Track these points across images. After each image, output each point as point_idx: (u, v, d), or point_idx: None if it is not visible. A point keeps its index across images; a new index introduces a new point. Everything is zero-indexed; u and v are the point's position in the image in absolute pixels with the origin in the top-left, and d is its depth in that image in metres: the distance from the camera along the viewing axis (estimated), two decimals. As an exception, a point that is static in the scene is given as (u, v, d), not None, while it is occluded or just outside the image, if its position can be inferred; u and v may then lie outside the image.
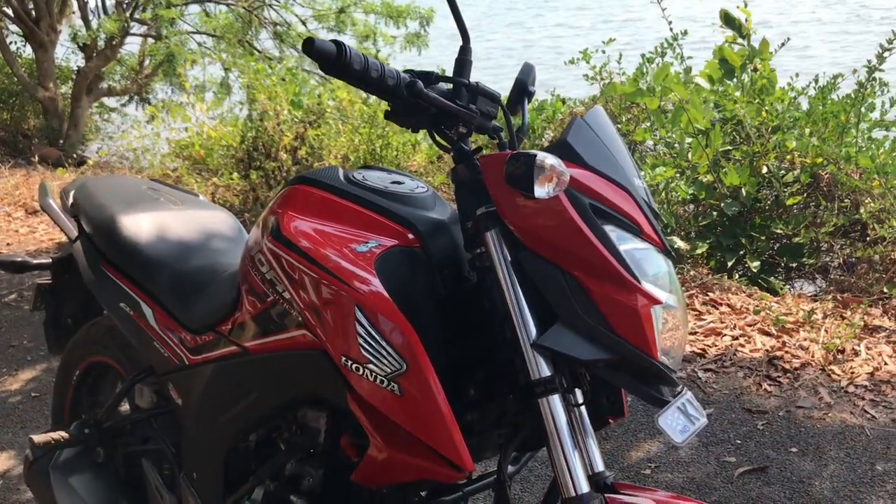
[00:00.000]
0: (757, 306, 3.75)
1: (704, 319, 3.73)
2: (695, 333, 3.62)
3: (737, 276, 4.31)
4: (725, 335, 3.57)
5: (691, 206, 4.70)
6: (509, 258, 1.30)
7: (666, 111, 4.88)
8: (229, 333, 1.64)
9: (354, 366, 1.31)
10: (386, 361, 1.28)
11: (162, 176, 7.73)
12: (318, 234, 1.41)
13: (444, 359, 1.40)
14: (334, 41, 1.26)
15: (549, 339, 1.25)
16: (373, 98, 7.14)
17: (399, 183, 1.54)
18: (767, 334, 3.53)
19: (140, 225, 1.96)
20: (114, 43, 10.10)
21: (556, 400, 1.26)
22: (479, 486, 1.54)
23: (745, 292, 3.99)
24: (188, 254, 1.92)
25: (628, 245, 1.28)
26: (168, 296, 1.84)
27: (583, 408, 1.39)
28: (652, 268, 1.30)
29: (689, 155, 4.54)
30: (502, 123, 1.47)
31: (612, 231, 1.27)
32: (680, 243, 4.32)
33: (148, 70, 10.87)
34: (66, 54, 11.43)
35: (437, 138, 1.41)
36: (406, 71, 1.34)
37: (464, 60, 1.38)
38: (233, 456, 1.68)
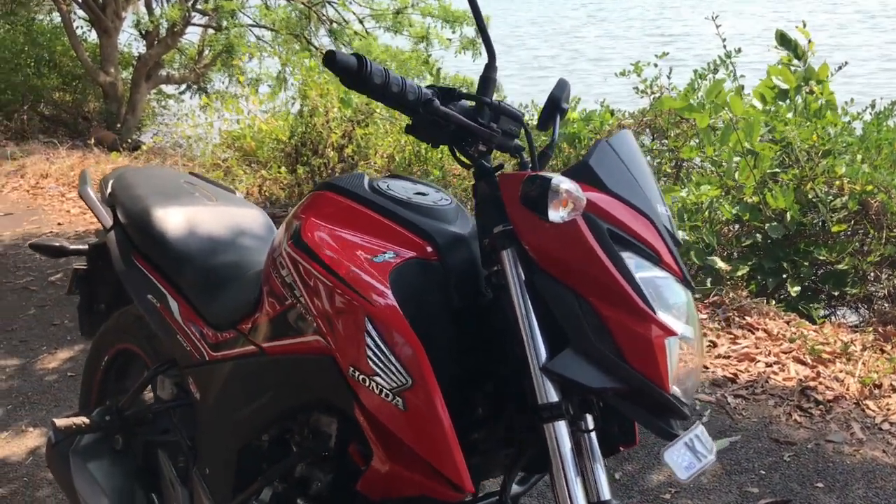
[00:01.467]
0: (794, 334, 3.68)
1: (739, 343, 3.67)
2: (728, 357, 3.56)
3: (775, 301, 4.23)
4: (759, 361, 3.50)
5: (735, 227, 4.62)
6: (524, 278, 1.29)
7: (716, 128, 4.82)
8: (249, 333, 1.66)
9: (361, 377, 1.32)
10: (392, 375, 1.29)
11: (212, 166, 7.86)
12: (336, 242, 1.42)
13: (455, 373, 1.40)
14: (356, 54, 1.26)
15: (559, 364, 1.24)
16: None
17: (423, 194, 1.54)
18: (802, 363, 3.46)
19: (172, 218, 1.99)
20: (175, 31, 10.29)
21: (561, 426, 1.25)
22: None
23: (783, 318, 3.91)
24: (217, 250, 1.95)
25: (646, 273, 1.27)
26: (194, 290, 1.87)
27: (592, 434, 1.38)
28: (669, 297, 1.28)
29: (736, 175, 4.47)
30: (527, 141, 1.47)
31: (629, 258, 1.26)
32: (720, 264, 4.25)
33: (206, 60, 11.06)
34: (129, 41, 11.69)
35: (458, 154, 1.41)
36: (429, 86, 1.34)
37: (488, 79, 1.38)
38: (245, 454, 1.70)
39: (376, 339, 1.30)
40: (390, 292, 1.32)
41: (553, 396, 1.25)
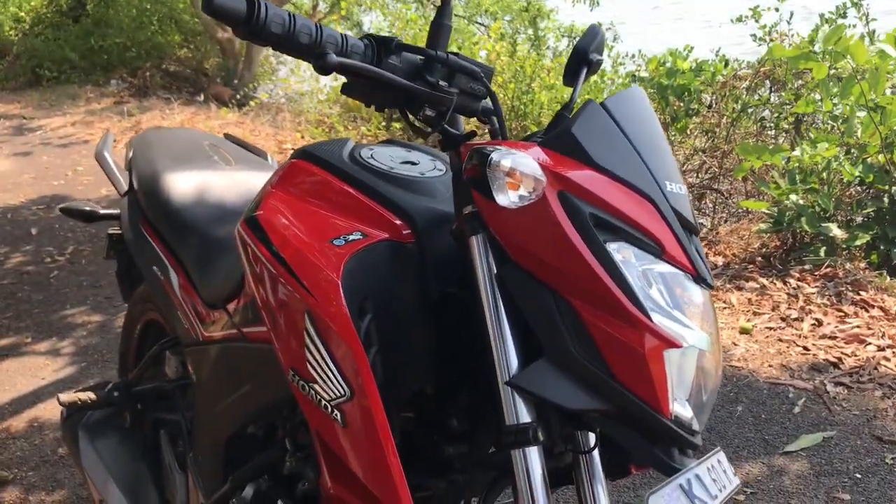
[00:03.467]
0: (915, 314, 3.25)
1: (849, 322, 3.28)
2: (833, 338, 3.18)
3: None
4: (870, 344, 3.11)
5: (856, 190, 4.15)
6: (494, 271, 1.06)
7: (841, 79, 4.31)
8: (233, 315, 1.51)
9: (301, 382, 1.13)
10: (330, 384, 1.09)
11: (317, 122, 7.83)
12: (295, 221, 1.23)
13: (431, 378, 1.20)
14: None
15: (528, 377, 1.01)
16: (522, 50, 6.85)
17: (412, 163, 1.32)
18: (921, 348, 3.04)
19: (181, 184, 1.85)
20: (289, -16, 10.29)
21: (532, 453, 1.02)
22: None
23: (905, 295, 3.47)
24: (223, 219, 1.79)
25: (643, 268, 1.01)
26: (193, 264, 1.73)
27: (595, 453, 1.15)
28: (673, 299, 1.02)
29: (859, 132, 3.98)
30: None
31: (619, 249, 1.00)
32: (836, 231, 3.82)
33: (321, 14, 11.04)
34: (247, -4, 11.79)
35: (412, 119, 1.18)
36: (365, 36, 1.11)
37: (440, 26, 1.12)
38: (233, 445, 1.56)
39: (315, 339, 1.10)
40: (339, 283, 1.11)
41: (524, 416, 1.03)
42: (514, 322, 1.05)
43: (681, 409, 1.03)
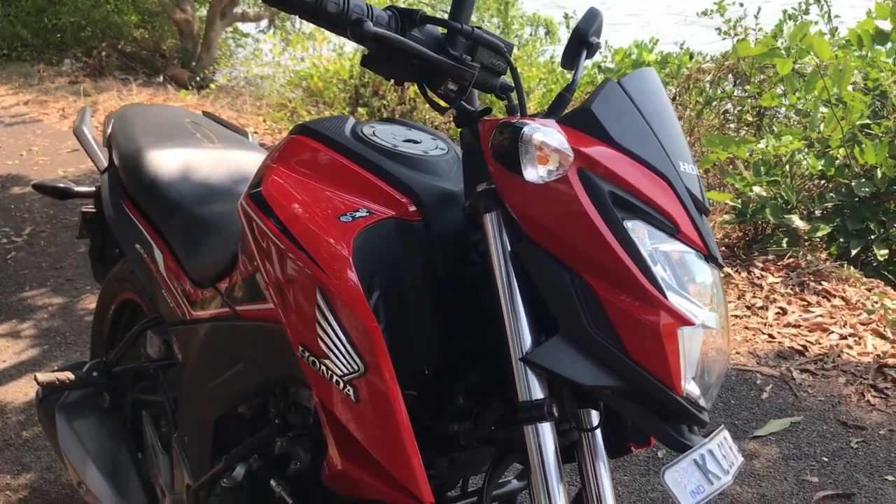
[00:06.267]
0: (875, 303, 3.33)
1: (812, 312, 3.35)
2: (798, 327, 3.25)
3: (858, 267, 3.86)
4: (833, 332, 3.18)
5: (817, 184, 4.24)
6: (509, 248, 1.06)
7: (803, 74, 4.40)
8: (225, 293, 1.48)
9: (311, 358, 1.12)
10: (343, 359, 1.08)
11: (278, 106, 7.75)
12: (301, 197, 1.21)
13: (438, 355, 1.19)
14: None
15: (543, 354, 1.02)
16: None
17: (414, 142, 1.32)
18: (882, 336, 3.12)
19: (163, 161, 1.82)
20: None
21: (545, 429, 1.03)
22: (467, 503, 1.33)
23: (864, 285, 3.56)
24: (208, 198, 1.77)
25: (658, 247, 1.02)
26: (178, 241, 1.70)
27: (597, 431, 1.16)
28: (687, 277, 1.04)
29: (822, 126, 4.07)
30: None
31: (636, 227, 1.01)
32: (798, 223, 3.90)
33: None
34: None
35: (430, 94, 1.17)
36: (389, 8, 1.10)
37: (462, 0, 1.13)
38: (223, 425, 1.54)
39: (328, 315, 1.09)
40: (351, 259, 1.10)
41: (537, 392, 1.03)
42: (527, 299, 1.05)
43: (690, 386, 1.05)
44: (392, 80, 1.17)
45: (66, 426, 1.86)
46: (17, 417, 2.80)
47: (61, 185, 2.17)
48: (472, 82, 1.13)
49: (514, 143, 0.97)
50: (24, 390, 2.96)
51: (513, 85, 1.20)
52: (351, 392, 1.08)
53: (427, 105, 1.25)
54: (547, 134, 0.97)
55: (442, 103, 1.17)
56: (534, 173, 0.98)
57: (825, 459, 2.46)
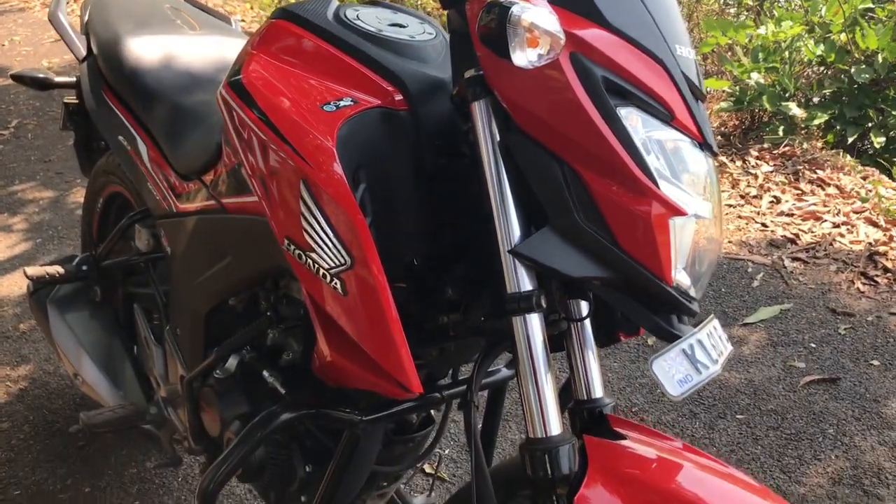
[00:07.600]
0: (869, 192, 3.32)
1: (806, 200, 3.34)
2: (791, 215, 3.25)
3: (854, 155, 3.83)
4: (826, 221, 3.18)
5: (817, 70, 4.16)
6: (497, 138, 1.03)
7: (807, -45, 4.26)
8: (210, 185, 1.46)
9: (297, 251, 1.10)
10: (329, 252, 1.07)
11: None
12: (282, 85, 1.17)
13: (425, 248, 1.18)
14: None
15: (531, 245, 1.00)
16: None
17: (400, 26, 1.26)
18: (874, 225, 3.12)
19: (144, 48, 1.76)
20: None
21: (533, 319, 1.02)
22: (457, 391, 1.33)
23: (859, 174, 3.54)
24: (191, 87, 1.72)
25: (651, 134, 0.99)
26: (162, 133, 1.66)
27: (586, 322, 1.16)
28: (681, 166, 1.01)
29: (823, 10, 3.96)
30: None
31: (630, 115, 0.98)
32: (796, 110, 3.84)
33: None
34: None
35: None
36: None
37: None
38: (215, 318, 1.54)
39: (312, 207, 1.07)
40: (335, 150, 1.07)
41: (525, 284, 1.02)
42: (517, 191, 1.03)
43: (680, 276, 1.04)
44: None
45: (58, 320, 1.86)
46: (14, 310, 2.81)
47: (41, 75, 2.10)
48: None
49: (501, 25, 0.92)
50: (18, 284, 2.97)
51: None
52: (338, 285, 1.07)
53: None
54: (537, 14, 0.92)
55: None
56: (523, 58, 0.93)
57: (813, 346, 2.50)
